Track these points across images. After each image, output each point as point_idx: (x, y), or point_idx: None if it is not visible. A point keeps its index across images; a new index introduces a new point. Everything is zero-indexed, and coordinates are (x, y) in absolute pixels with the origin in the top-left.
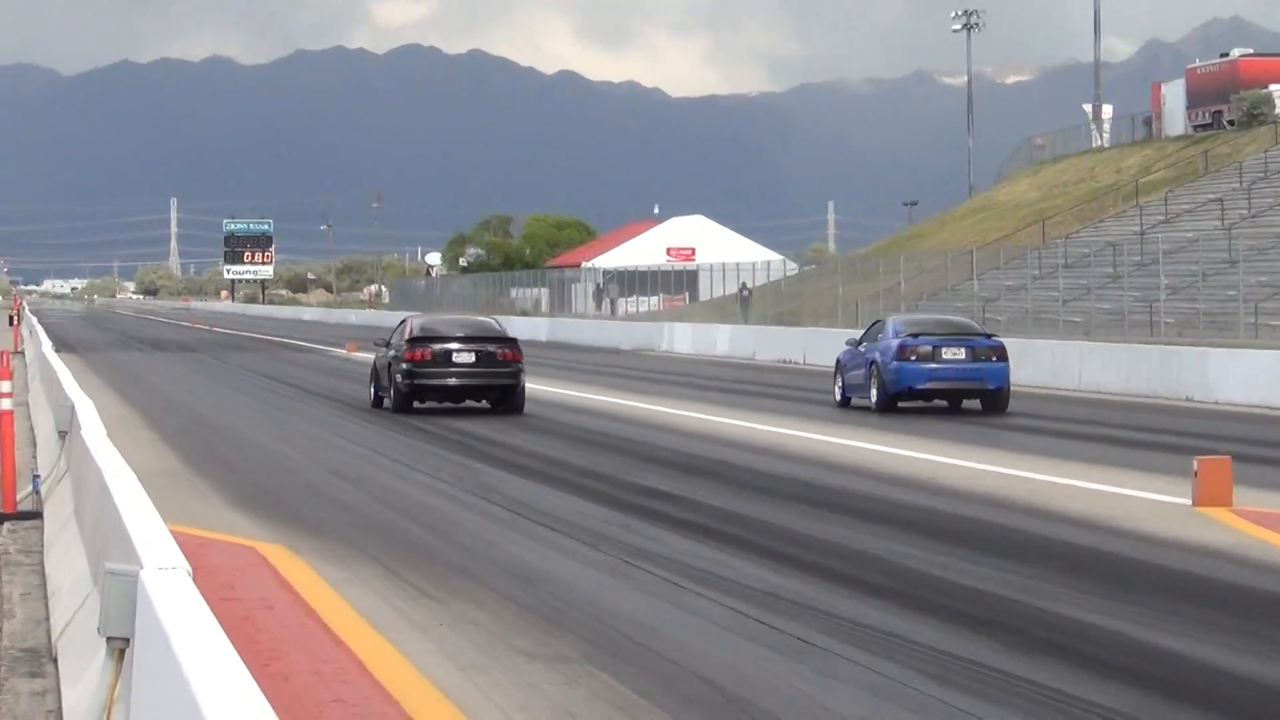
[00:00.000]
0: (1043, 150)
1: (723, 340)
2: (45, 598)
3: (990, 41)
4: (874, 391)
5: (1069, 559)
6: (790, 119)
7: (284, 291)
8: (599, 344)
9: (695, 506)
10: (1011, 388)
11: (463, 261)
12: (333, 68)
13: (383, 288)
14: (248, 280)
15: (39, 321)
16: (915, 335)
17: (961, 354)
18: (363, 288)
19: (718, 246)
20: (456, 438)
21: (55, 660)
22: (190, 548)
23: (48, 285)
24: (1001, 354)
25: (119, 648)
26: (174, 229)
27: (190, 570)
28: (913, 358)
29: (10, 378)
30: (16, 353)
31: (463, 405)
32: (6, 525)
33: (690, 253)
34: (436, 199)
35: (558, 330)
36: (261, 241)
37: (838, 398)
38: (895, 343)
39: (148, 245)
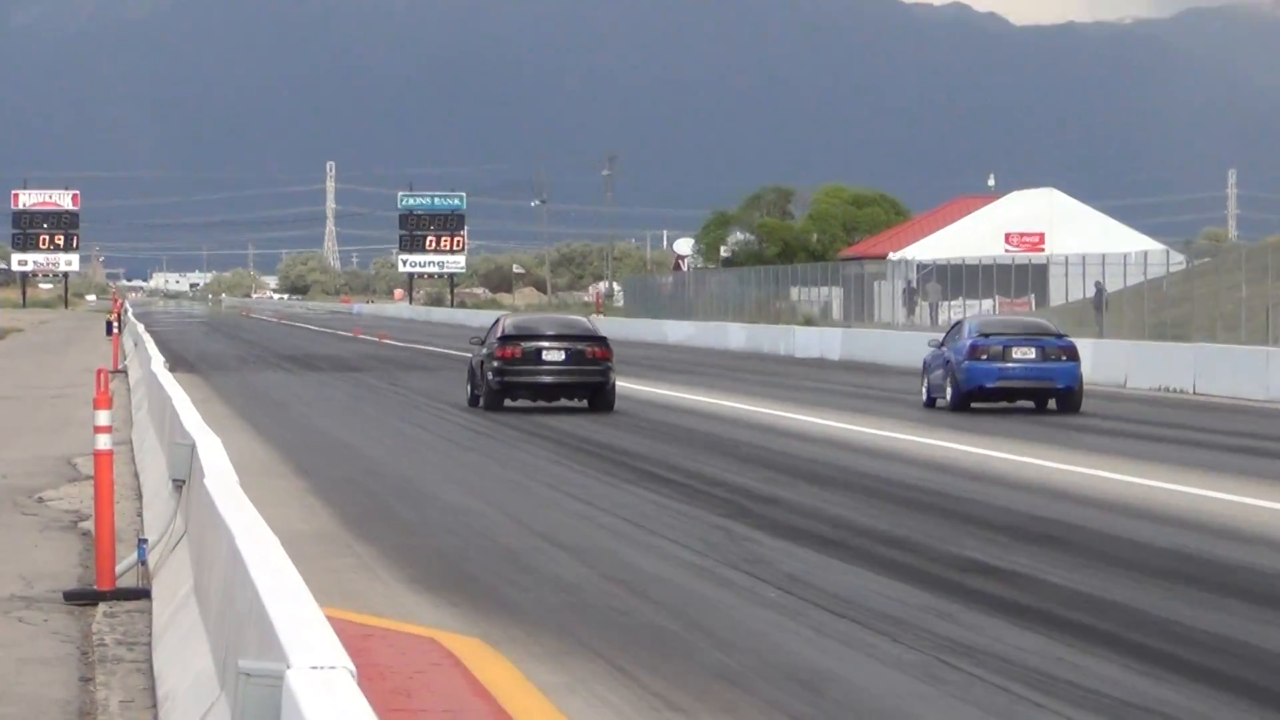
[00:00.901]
0: None
1: (1083, 359)
2: (154, 705)
3: None
4: (949, 391)
5: None
6: (1175, 56)
7: (480, 290)
8: (911, 364)
9: (1034, 585)
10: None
11: (725, 251)
12: None
13: (615, 285)
14: (431, 274)
15: (146, 329)
16: (987, 335)
17: (1032, 353)
18: (588, 286)
19: (1075, 231)
20: (711, 491)
21: None
22: (353, 640)
23: (158, 280)
24: (1072, 354)
25: None
26: (330, 204)
27: (354, 671)
28: (984, 357)
29: (109, 406)
30: (116, 371)
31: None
32: (103, 607)
33: (1038, 240)
34: (688, 165)
35: (855, 345)
36: (450, 222)
37: (924, 399)
38: (968, 343)
39: (294, 225)
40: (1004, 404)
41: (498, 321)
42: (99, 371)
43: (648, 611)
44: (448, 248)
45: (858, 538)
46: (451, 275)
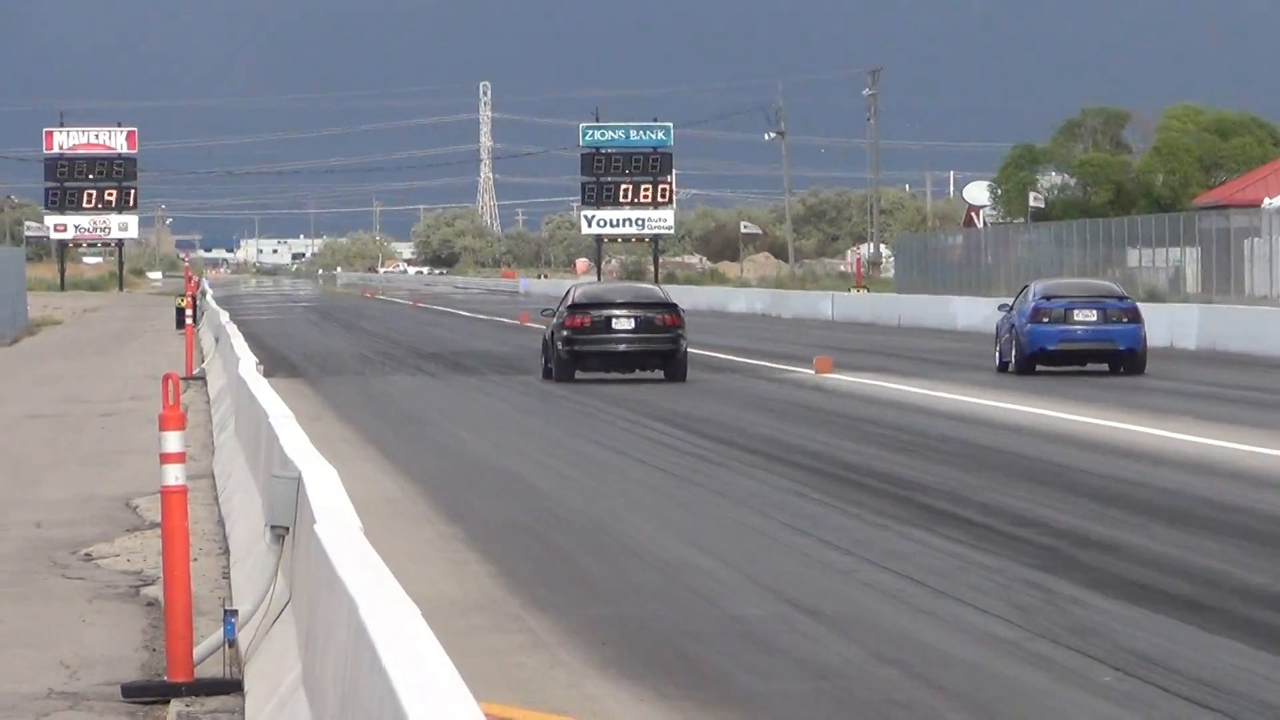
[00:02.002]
0: None
1: None
2: None
3: None
4: (1013, 354)
5: None
6: None
7: (696, 259)
8: None
9: None
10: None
11: (1033, 199)
12: None
13: (883, 249)
14: (627, 238)
15: (232, 318)
16: (1049, 298)
17: (1093, 316)
18: (844, 250)
19: None
20: (1021, 533)
21: None
22: None
23: (248, 250)
24: (1134, 316)
25: None
26: (485, 141)
27: None
28: (1046, 320)
29: (182, 426)
30: (190, 378)
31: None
32: (177, 706)
33: None
34: (979, 81)
35: (1218, 328)
36: (652, 164)
37: (996, 363)
38: (1032, 306)
39: (435, 172)
40: (1075, 368)
41: (569, 291)
42: (166, 378)
43: (937, 704)
44: (649, 200)
45: (1229, 598)
46: (655, 238)
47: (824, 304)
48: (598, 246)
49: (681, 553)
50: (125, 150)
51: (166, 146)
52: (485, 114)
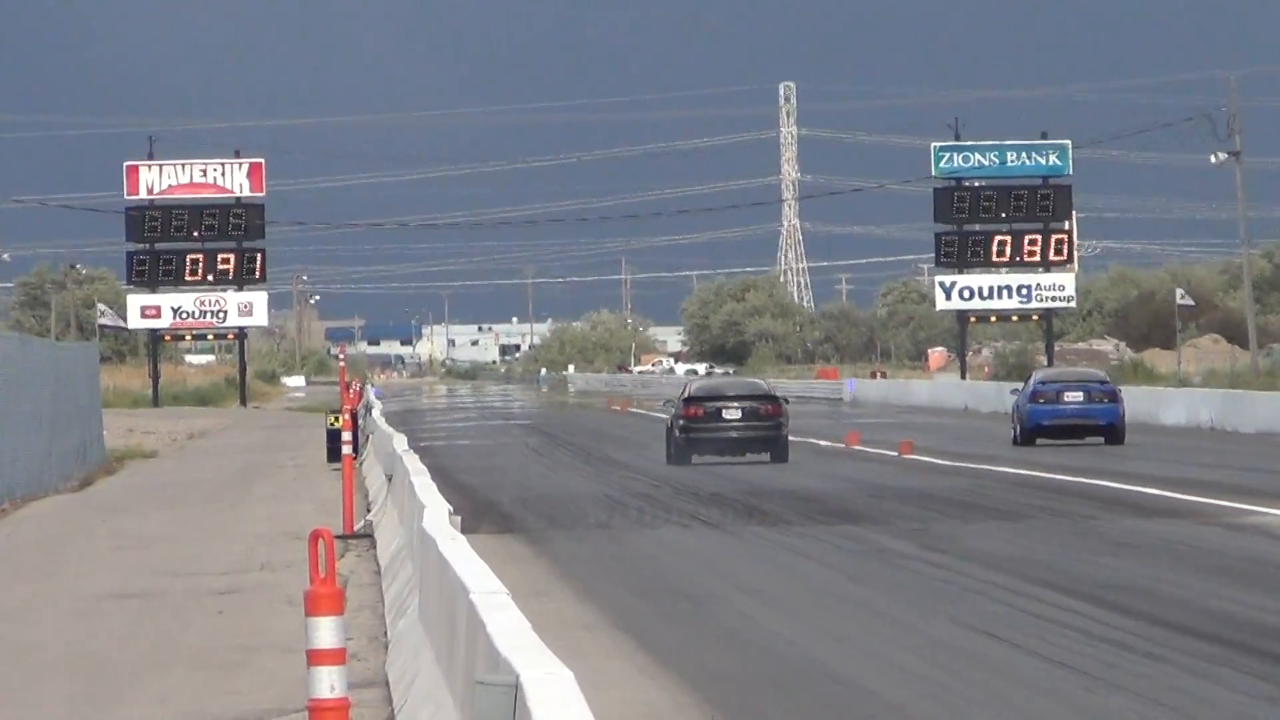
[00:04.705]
0: None
1: None
2: None
3: None
4: (1017, 429)
5: None
6: None
7: (1109, 344)
8: None
9: None
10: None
11: None
12: None
13: None
14: (1006, 315)
15: (411, 444)
16: (1045, 383)
17: (1080, 397)
18: None
19: None
20: None
21: None
22: None
23: (434, 342)
24: (1113, 396)
25: None
26: (788, 172)
27: None
28: (1041, 401)
29: (339, 610)
30: (349, 537)
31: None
32: None
33: None
34: None
35: None
36: (1042, 202)
37: (1012, 438)
38: (1031, 389)
39: (708, 220)
40: (1072, 441)
41: (685, 385)
42: (315, 537)
43: None
44: (1037, 257)
45: None
46: (1048, 315)
47: None
48: (961, 329)
49: None
50: (247, 193)
51: (306, 187)
52: (788, 130)
